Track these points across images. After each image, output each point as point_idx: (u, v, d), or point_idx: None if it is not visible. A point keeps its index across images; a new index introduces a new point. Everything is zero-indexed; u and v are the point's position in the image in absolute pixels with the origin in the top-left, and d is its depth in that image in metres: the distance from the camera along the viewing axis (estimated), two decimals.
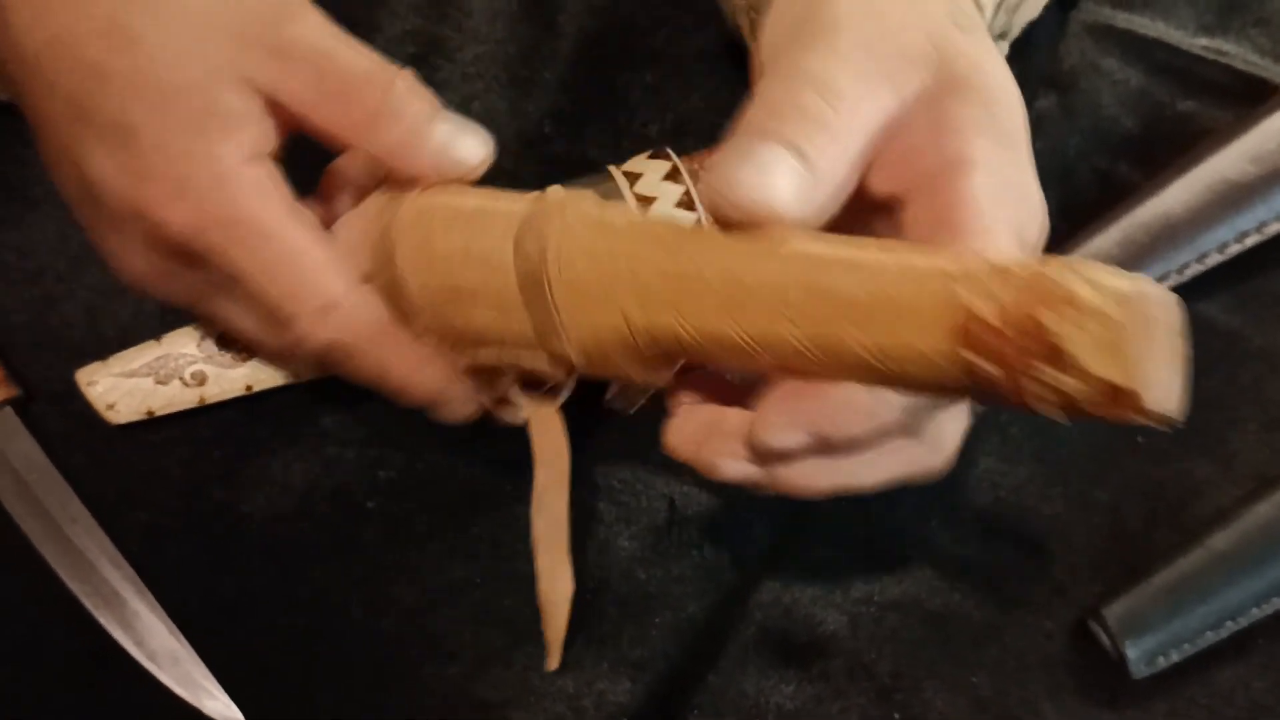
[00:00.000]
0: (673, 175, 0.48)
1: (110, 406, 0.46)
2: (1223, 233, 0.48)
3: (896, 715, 0.45)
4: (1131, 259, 0.48)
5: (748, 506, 0.47)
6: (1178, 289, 0.48)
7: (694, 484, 0.47)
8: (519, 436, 0.42)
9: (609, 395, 0.48)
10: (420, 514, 0.47)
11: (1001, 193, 0.35)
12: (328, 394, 0.47)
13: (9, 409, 0.47)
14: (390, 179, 0.40)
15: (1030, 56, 0.50)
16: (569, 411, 0.49)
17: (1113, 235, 0.48)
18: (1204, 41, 0.53)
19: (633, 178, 0.48)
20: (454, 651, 0.45)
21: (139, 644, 0.45)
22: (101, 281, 0.49)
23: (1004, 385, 0.29)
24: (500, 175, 0.52)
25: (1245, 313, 0.49)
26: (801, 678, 0.45)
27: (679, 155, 0.49)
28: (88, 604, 0.45)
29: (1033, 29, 0.49)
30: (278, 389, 0.47)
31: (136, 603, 0.45)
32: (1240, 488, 0.47)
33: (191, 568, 0.46)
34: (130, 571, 0.46)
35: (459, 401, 0.41)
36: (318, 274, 0.38)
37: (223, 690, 0.45)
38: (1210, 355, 0.49)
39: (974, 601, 0.46)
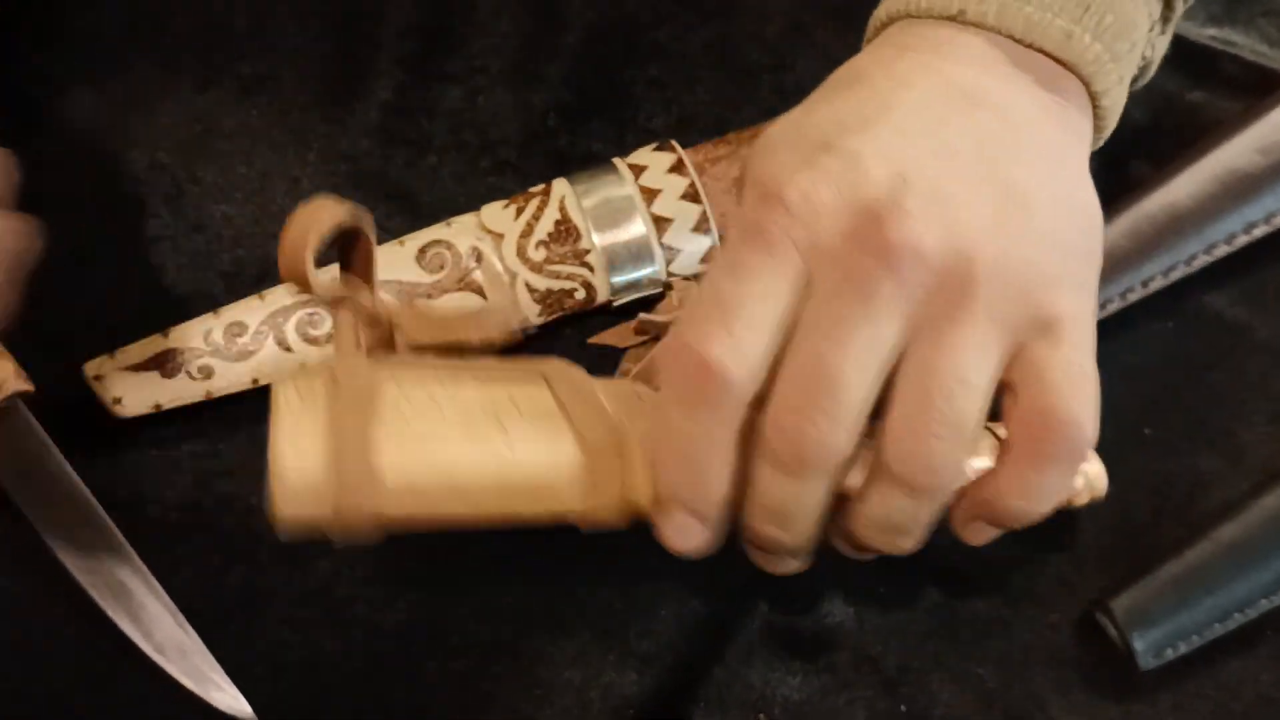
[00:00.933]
0: (677, 168, 0.48)
1: (117, 400, 0.47)
2: (1231, 224, 0.48)
3: (903, 707, 0.45)
4: (1139, 250, 0.48)
5: None
6: (1185, 280, 0.48)
7: None
8: None
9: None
10: None
11: None
12: None
13: (19, 403, 0.47)
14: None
15: None
16: None
17: (1120, 226, 0.48)
18: (1212, 32, 0.53)
19: (638, 170, 0.48)
20: (460, 645, 0.46)
21: (147, 636, 0.45)
22: (107, 277, 0.50)
23: None
24: (506, 169, 0.52)
25: (1253, 305, 0.49)
26: (807, 670, 0.45)
27: (683, 148, 0.49)
28: (95, 596, 0.45)
29: None
30: None
31: (144, 595, 0.45)
32: (1248, 480, 0.47)
33: (199, 561, 0.47)
34: (138, 564, 0.46)
35: None
36: None
37: (230, 683, 0.45)
38: (1217, 348, 0.49)
39: (980, 594, 0.46)
